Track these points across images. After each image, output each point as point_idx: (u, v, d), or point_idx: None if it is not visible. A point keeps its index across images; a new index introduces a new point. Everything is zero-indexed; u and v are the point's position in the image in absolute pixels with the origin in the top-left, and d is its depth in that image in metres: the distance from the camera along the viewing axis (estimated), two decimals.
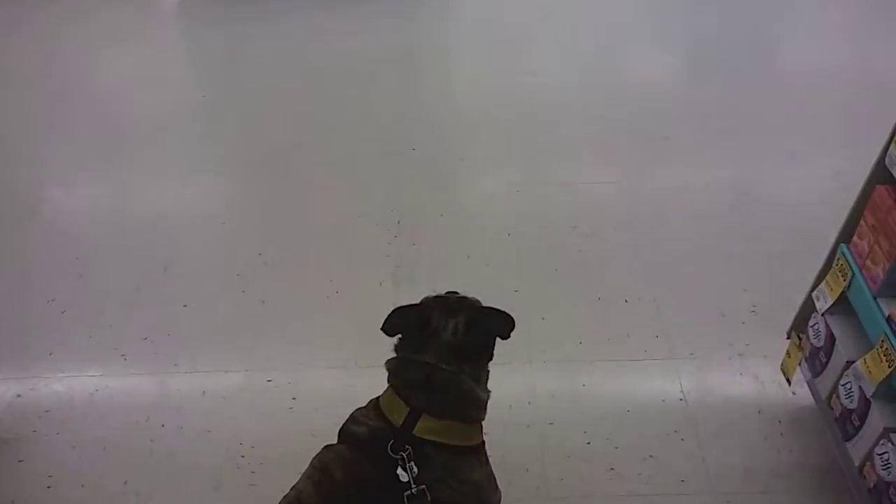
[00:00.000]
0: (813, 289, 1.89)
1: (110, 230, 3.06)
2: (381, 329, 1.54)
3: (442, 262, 2.79)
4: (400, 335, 1.55)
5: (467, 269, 2.74)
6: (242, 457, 2.16)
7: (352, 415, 1.51)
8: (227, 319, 2.61)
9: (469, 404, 1.47)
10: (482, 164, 3.31)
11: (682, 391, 2.28)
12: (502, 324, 1.54)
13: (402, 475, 1.35)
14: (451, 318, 1.50)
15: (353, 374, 2.37)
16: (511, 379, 2.33)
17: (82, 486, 2.11)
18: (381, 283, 2.70)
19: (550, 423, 2.21)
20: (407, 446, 1.37)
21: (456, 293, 1.65)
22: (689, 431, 2.16)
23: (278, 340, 2.52)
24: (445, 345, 1.47)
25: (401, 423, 1.41)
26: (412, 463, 1.35)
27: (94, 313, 2.65)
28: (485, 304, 1.62)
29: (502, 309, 1.56)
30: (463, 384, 1.46)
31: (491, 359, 1.58)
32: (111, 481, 2.11)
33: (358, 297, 2.65)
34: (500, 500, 1.59)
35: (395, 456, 1.36)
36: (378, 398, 1.51)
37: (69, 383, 2.41)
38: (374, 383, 1.55)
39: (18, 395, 2.38)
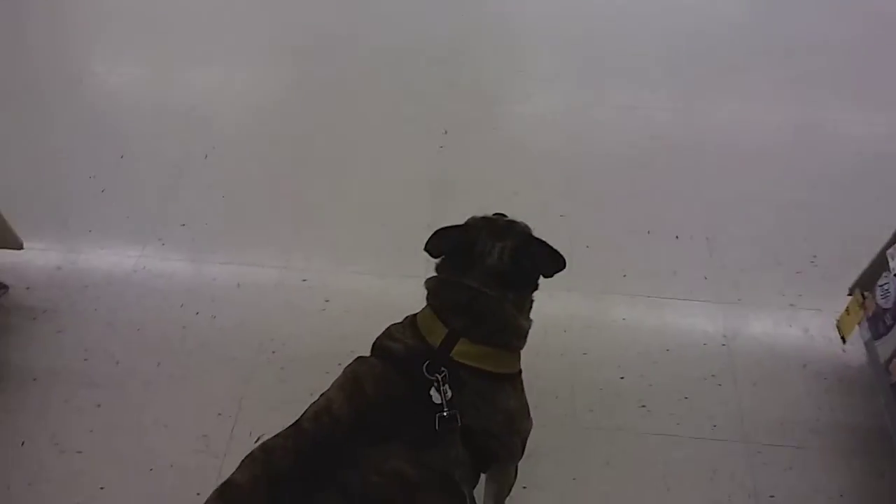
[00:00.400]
0: (889, 246, 1.76)
1: (154, 112, 3.00)
2: (425, 249, 1.47)
3: (488, 178, 2.68)
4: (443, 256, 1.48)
5: (513, 188, 2.63)
6: (273, 352, 2.16)
7: (387, 329, 1.46)
8: (265, 213, 2.57)
9: (510, 332, 1.42)
10: (540, 80, 3.13)
11: (724, 336, 2.20)
12: (550, 261, 1.45)
13: (435, 397, 1.31)
14: (498, 241, 1.42)
15: (387, 282, 2.34)
16: (549, 305, 2.22)
17: (117, 363, 2.15)
18: (422, 194, 2.62)
19: (584, 354, 2.16)
20: (443, 368, 1.32)
21: (504, 215, 1.56)
22: (727, 377, 2.10)
23: (316, 240, 2.48)
24: (490, 269, 1.40)
25: (438, 344, 1.36)
26: (446, 386, 1.31)
27: (133, 194, 2.64)
28: (530, 226, 1.53)
29: (557, 250, 1.46)
30: (506, 311, 1.40)
31: (536, 288, 1.50)
32: (144, 362, 2.14)
33: (397, 204, 2.59)
34: (530, 430, 1.55)
35: (429, 377, 1.31)
36: (415, 316, 1.45)
37: (109, 261, 2.42)
38: (409, 294, 1.50)
39: (59, 268, 2.40)
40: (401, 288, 2.30)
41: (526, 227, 1.54)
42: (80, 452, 1.94)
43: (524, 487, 1.87)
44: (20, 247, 2.14)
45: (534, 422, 1.59)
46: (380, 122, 2.92)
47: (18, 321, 2.24)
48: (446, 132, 2.86)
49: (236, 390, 2.07)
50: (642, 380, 2.10)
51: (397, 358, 1.38)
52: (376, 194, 2.62)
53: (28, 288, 2.34)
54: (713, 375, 2.11)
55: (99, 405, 2.04)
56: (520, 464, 1.61)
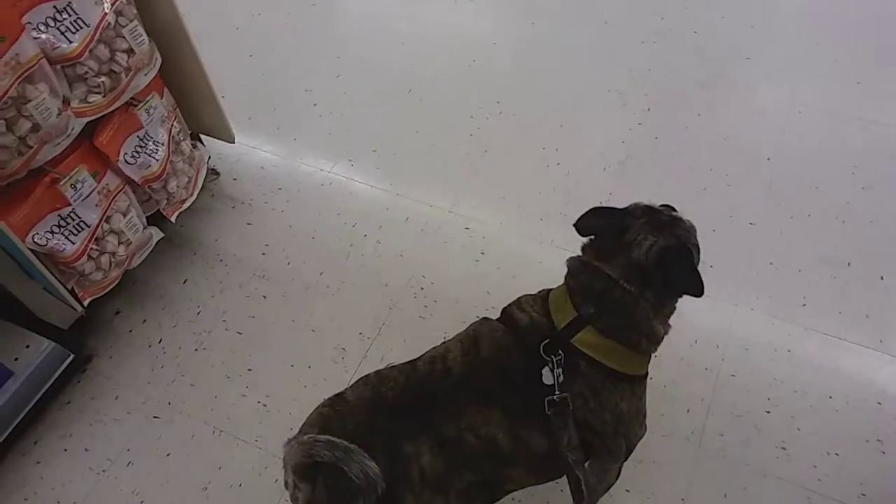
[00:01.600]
0: None
1: (376, 39, 3.15)
2: (574, 225, 1.42)
3: (679, 166, 2.51)
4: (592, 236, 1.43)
5: (704, 183, 2.45)
6: (422, 289, 2.25)
7: (519, 299, 1.46)
8: (448, 156, 2.64)
9: (641, 332, 1.34)
10: (769, 71, 2.83)
11: None
12: (687, 280, 1.33)
13: (546, 377, 1.29)
14: (652, 235, 1.34)
15: (545, 251, 2.31)
16: (708, 314, 2.11)
17: (288, 263, 2.36)
18: (605, 168, 2.52)
19: (732, 376, 2.00)
20: (560, 351, 1.30)
21: (672, 209, 1.46)
22: (894, 447, 1.84)
23: (487, 193, 2.50)
24: (633, 263, 1.33)
25: (562, 326, 1.33)
26: (560, 370, 1.29)
27: (339, 113, 2.82)
28: (706, 228, 1.41)
29: (700, 275, 1.34)
30: (640, 310, 1.33)
31: (681, 296, 1.40)
32: (310, 268, 2.34)
33: (577, 174, 2.52)
34: (641, 437, 1.48)
35: (545, 357, 1.30)
36: (549, 291, 1.43)
37: (303, 170, 2.63)
38: (562, 267, 1.46)
39: (262, 167, 2.66)
40: (556, 259, 2.22)
41: (691, 227, 1.43)
42: (239, 333, 2.19)
43: (627, 490, 1.82)
44: (233, 140, 2.39)
45: (649, 430, 1.52)
46: (583, 87, 2.83)
47: (220, 207, 2.53)
48: (649, 109, 2.71)
49: (380, 315, 2.19)
50: (791, 421, 1.90)
51: (520, 328, 1.38)
52: (560, 159, 2.57)
53: (235, 179, 2.63)
54: (879, 440, 1.86)
55: (265, 296, 2.27)
56: (628, 465, 1.55)
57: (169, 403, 2.05)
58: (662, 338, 1.40)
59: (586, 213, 1.43)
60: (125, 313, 2.25)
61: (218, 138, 2.41)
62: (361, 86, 2.92)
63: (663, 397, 1.96)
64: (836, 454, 1.84)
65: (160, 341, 2.19)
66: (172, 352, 2.17)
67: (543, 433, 1.31)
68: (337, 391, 1.38)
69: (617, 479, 1.55)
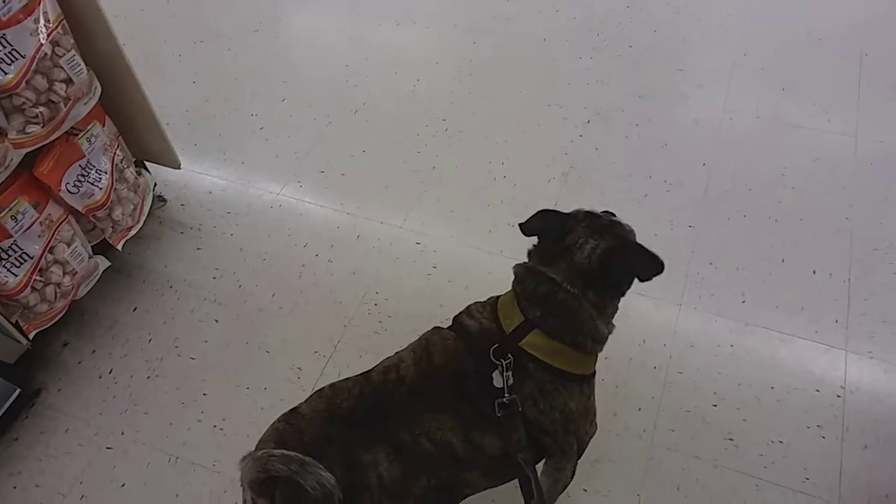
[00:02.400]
0: None
1: (319, 63, 3.19)
2: (520, 226, 1.48)
3: (620, 174, 2.60)
4: (537, 239, 1.48)
5: (645, 190, 2.54)
6: (375, 305, 2.27)
7: (469, 307, 1.50)
8: (396, 174, 2.67)
9: (585, 333, 1.39)
10: (701, 80, 2.96)
11: (843, 388, 2.01)
12: (646, 265, 1.39)
13: (497, 381, 1.32)
14: (593, 238, 1.39)
15: (495, 261, 2.36)
16: (654, 314, 2.19)
17: (240, 286, 2.36)
18: (549, 180, 2.59)
19: (680, 373, 2.07)
20: (509, 355, 1.34)
21: (612, 214, 1.52)
22: (833, 432, 1.93)
23: (436, 208, 2.55)
24: (576, 266, 1.38)
25: (511, 330, 1.37)
26: (510, 373, 1.32)
27: (285, 136, 2.84)
28: (648, 232, 1.48)
29: (655, 253, 1.41)
30: (583, 311, 1.37)
31: (622, 295, 1.46)
32: (262, 290, 2.34)
33: (523, 186, 2.58)
34: (593, 435, 1.52)
35: (495, 361, 1.33)
36: (498, 298, 1.47)
37: (252, 194, 2.64)
38: (511, 276, 1.50)
39: (209, 192, 2.65)
40: (507, 269, 2.26)
41: (630, 230, 1.50)
42: (192, 358, 2.17)
43: (584, 490, 1.86)
44: (178, 166, 2.39)
45: (603, 429, 1.56)
46: (525, 102, 2.91)
47: (168, 233, 2.52)
48: (589, 122, 2.80)
49: (335, 333, 2.20)
50: (736, 413, 1.98)
51: (470, 335, 1.41)
52: (507, 172, 2.64)
53: (183, 205, 2.61)
54: (819, 426, 1.94)
55: (216, 320, 2.26)
56: (584, 466, 1.59)
57: (122, 433, 2.02)
58: (606, 337, 1.45)
59: (534, 214, 1.48)
60: (74, 345, 2.21)
61: (163, 165, 2.40)
62: (307, 108, 2.94)
63: (615, 397, 2.02)
64: (781, 442, 1.92)
65: (111, 371, 2.16)
66: (124, 381, 2.13)
67: (496, 435, 1.34)
68: None
69: (572, 478, 1.59)
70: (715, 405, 2.00)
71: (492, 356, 1.35)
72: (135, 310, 2.30)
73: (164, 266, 2.42)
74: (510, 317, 1.40)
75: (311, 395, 1.40)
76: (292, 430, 1.32)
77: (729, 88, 2.91)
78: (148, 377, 2.14)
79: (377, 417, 1.31)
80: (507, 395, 1.32)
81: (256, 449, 1.32)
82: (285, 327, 2.24)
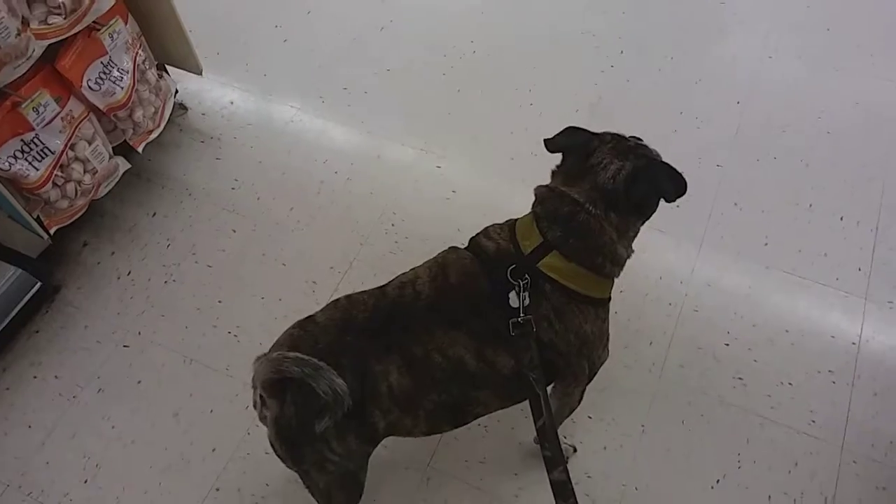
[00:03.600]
0: None
1: None
2: (545, 141, 1.44)
3: (649, 108, 2.53)
4: (561, 158, 1.44)
5: (674, 125, 2.47)
6: (392, 225, 2.26)
7: (486, 228, 1.47)
8: (419, 95, 2.62)
9: (604, 256, 1.36)
10: (743, 16, 2.83)
11: (859, 336, 1.99)
12: (671, 182, 1.35)
13: (513, 300, 1.31)
14: (618, 159, 1.36)
15: (515, 189, 2.29)
16: (673, 252, 2.16)
17: (258, 198, 2.35)
18: (577, 110, 2.53)
19: (695, 310, 2.05)
20: (526, 275, 1.32)
21: (639, 140, 1.48)
22: (844, 378, 1.92)
23: (459, 131, 2.50)
24: (599, 186, 1.35)
25: (528, 251, 1.35)
26: (526, 293, 1.31)
27: (309, 50, 2.78)
28: (620, 133, 1.44)
29: (678, 171, 1.37)
30: (604, 233, 1.35)
31: (647, 218, 1.43)
32: (280, 204, 2.33)
33: (549, 115, 2.52)
34: (604, 361, 1.52)
35: (511, 281, 1.32)
36: (517, 220, 1.45)
37: (273, 106, 2.60)
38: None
39: (231, 102, 2.62)
40: (526, 198, 2.26)
41: (656, 154, 1.46)
42: (209, 266, 2.19)
43: (589, 417, 1.88)
44: (200, 72, 2.35)
45: (613, 360, 1.56)
46: (557, 29, 2.81)
47: (188, 141, 2.50)
48: (622, 52, 2.71)
49: (351, 250, 2.21)
50: (748, 353, 1.97)
51: (487, 256, 1.39)
52: (533, 100, 2.57)
53: (203, 114, 2.59)
54: (830, 371, 1.94)
55: (234, 230, 2.27)
56: (591, 394, 1.60)
57: (139, 333, 2.06)
58: (625, 261, 1.43)
59: (561, 131, 1.45)
60: (93, 245, 2.23)
61: (184, 69, 2.36)
62: (332, 22, 2.87)
63: (627, 330, 2.02)
64: (790, 384, 1.92)
65: (129, 273, 2.18)
66: (142, 283, 2.16)
67: (510, 354, 1.34)
68: None
69: (579, 403, 1.60)
70: (727, 344, 1.99)
71: (508, 276, 1.34)
72: (153, 215, 2.31)
73: (183, 174, 2.41)
74: (528, 238, 1.38)
75: (326, 305, 1.40)
76: (307, 336, 1.33)
77: (771, 26, 2.79)
78: (165, 281, 2.16)
79: (391, 330, 1.31)
80: (522, 315, 1.32)
81: (270, 352, 1.33)
82: (302, 241, 2.24)
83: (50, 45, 1.78)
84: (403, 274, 1.45)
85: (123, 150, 2.16)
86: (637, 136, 1.51)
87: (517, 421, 1.84)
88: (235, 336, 2.05)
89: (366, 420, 1.29)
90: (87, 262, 2.20)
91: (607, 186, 1.34)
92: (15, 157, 1.77)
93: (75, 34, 1.83)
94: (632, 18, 2.83)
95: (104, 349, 2.03)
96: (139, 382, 1.97)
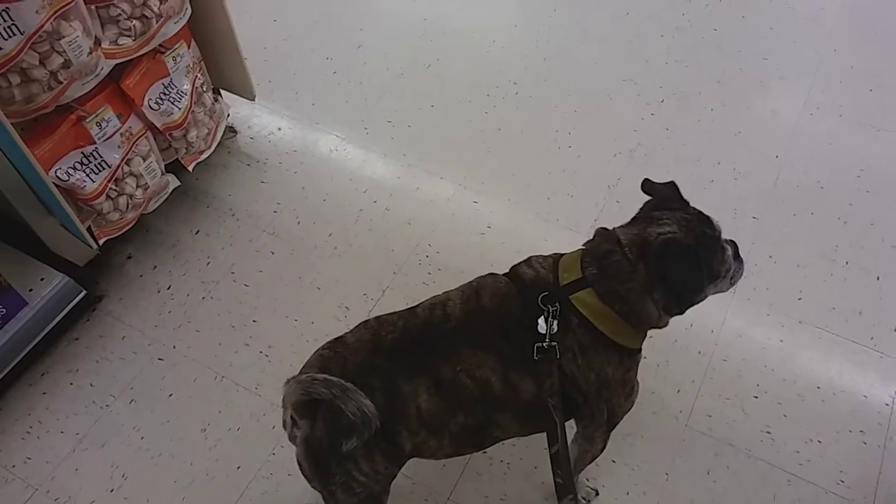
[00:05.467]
0: None
1: (398, 14, 3.18)
2: (644, 181, 1.47)
3: (688, 157, 2.55)
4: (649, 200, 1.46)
5: (711, 175, 2.49)
6: (427, 256, 2.30)
7: (529, 258, 1.49)
8: (462, 131, 2.68)
9: (630, 304, 1.35)
10: (785, 72, 2.86)
11: (892, 397, 1.96)
12: (683, 275, 1.34)
13: (541, 326, 1.33)
14: (675, 225, 1.35)
15: (550, 228, 2.35)
16: (706, 300, 2.15)
17: (298, 222, 2.41)
18: (615, 155, 2.56)
19: (724, 360, 2.04)
20: (556, 304, 1.34)
21: (715, 232, 1.42)
22: (876, 439, 1.89)
23: (497, 168, 2.55)
24: (643, 236, 1.35)
25: (565, 283, 1.37)
26: (555, 321, 1.33)
27: (357, 82, 2.86)
28: (712, 218, 1.41)
29: (702, 274, 1.36)
30: (633, 281, 1.34)
31: (674, 294, 1.38)
32: (319, 229, 2.39)
33: (587, 158, 2.56)
34: (627, 411, 1.52)
35: (542, 306, 1.34)
36: (563, 254, 1.46)
37: (318, 135, 2.68)
38: (566, 246, 1.50)
39: (279, 128, 2.71)
40: (560, 238, 2.31)
41: (718, 246, 1.41)
42: (246, 286, 2.25)
43: (613, 461, 1.87)
44: (253, 97, 2.43)
45: (639, 406, 1.55)
46: (600, 74, 2.86)
47: (235, 163, 2.58)
48: (663, 101, 2.75)
49: (385, 279, 2.24)
50: (777, 407, 1.95)
51: (523, 282, 1.41)
52: (572, 143, 2.61)
53: (252, 138, 2.67)
54: (861, 431, 1.91)
55: (273, 252, 2.33)
56: (616, 439, 1.59)
57: (174, 347, 2.11)
58: (654, 322, 1.41)
59: (665, 182, 1.47)
60: (137, 258, 2.31)
61: (238, 94, 2.45)
62: (381, 58, 2.96)
63: (655, 376, 2.01)
64: (819, 441, 1.89)
65: (169, 287, 2.25)
66: (180, 298, 2.22)
67: (532, 380, 1.35)
68: None
69: (602, 450, 1.59)
70: (756, 397, 1.97)
71: (539, 302, 1.35)
72: (196, 232, 2.38)
73: (228, 194, 2.49)
74: (569, 271, 1.39)
75: (356, 326, 1.43)
76: (336, 357, 1.36)
77: (813, 83, 2.81)
78: (203, 298, 2.22)
79: (420, 351, 1.34)
80: (547, 340, 1.33)
81: (301, 373, 1.36)
82: (337, 267, 2.29)
83: (117, 64, 1.87)
84: (435, 296, 1.47)
85: (174, 167, 2.25)
86: (719, 225, 1.45)
87: (540, 460, 1.84)
88: (267, 356, 2.09)
89: (393, 441, 1.31)
90: (130, 274, 2.27)
91: (649, 238, 1.35)
92: (74, 169, 1.86)
93: (141, 55, 1.92)
94: (673, 69, 2.88)
95: (139, 360, 2.09)
96: (171, 396, 2.02)
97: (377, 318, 1.42)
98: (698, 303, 1.43)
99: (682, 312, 1.42)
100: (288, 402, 1.32)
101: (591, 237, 1.44)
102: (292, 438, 1.37)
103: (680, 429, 1.92)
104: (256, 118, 2.72)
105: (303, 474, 1.39)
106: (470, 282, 1.48)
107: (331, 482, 1.34)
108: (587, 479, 1.83)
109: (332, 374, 1.27)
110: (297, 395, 1.28)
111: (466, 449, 1.43)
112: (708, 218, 1.42)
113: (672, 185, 1.47)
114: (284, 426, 1.39)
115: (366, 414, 1.23)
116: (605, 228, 1.43)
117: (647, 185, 1.48)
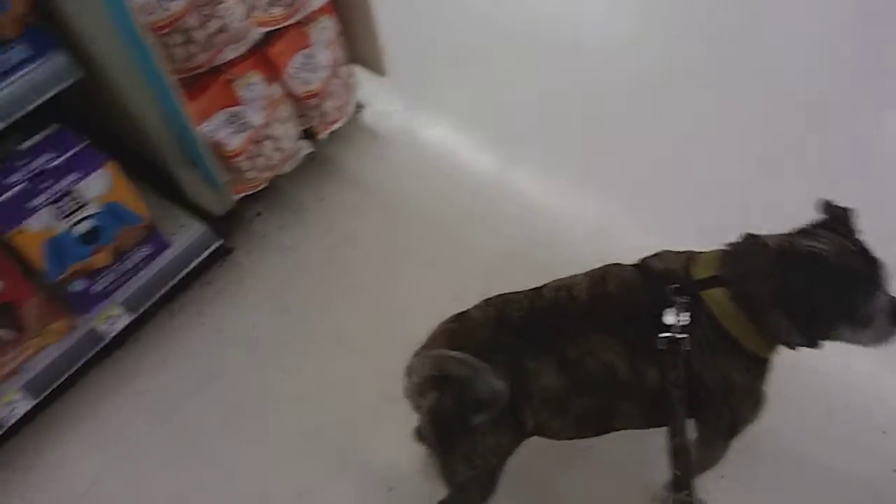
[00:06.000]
0: None
1: (529, 13, 3.17)
2: (825, 202, 1.36)
3: (822, 189, 2.40)
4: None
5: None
6: (542, 248, 2.30)
7: (660, 251, 1.45)
8: (586, 130, 2.61)
9: (757, 308, 1.29)
10: None
11: None
12: (813, 305, 1.24)
13: (669, 317, 1.30)
14: (826, 246, 1.25)
15: (674, 236, 2.27)
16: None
17: (420, 200, 2.46)
18: (748, 171, 2.41)
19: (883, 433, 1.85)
20: (687, 297, 1.30)
21: (876, 271, 1.29)
22: None
23: (622, 171, 2.46)
24: (791, 242, 1.28)
25: (698, 279, 1.33)
26: (685, 314, 1.29)
27: (484, 73, 2.87)
28: (879, 260, 1.28)
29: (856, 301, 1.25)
30: (765, 286, 1.27)
31: (796, 321, 1.29)
32: (444, 211, 2.43)
33: (717, 175, 2.42)
34: (750, 422, 1.44)
35: (672, 297, 1.30)
36: (700, 252, 1.41)
37: (438, 119, 2.71)
38: None
39: (403, 108, 2.75)
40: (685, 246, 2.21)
41: (873, 266, 1.28)
42: (365, 254, 2.34)
43: (721, 477, 1.77)
44: (384, 73, 2.51)
45: (759, 417, 1.47)
46: (742, 91, 2.69)
47: (360, 136, 2.68)
48: (810, 109, 2.57)
49: (497, 264, 2.24)
50: None
51: (651, 273, 1.39)
52: (708, 161, 2.47)
53: (377, 114, 2.75)
54: None
55: (393, 225, 2.41)
56: (732, 452, 1.53)
57: (292, 305, 2.23)
58: (782, 336, 1.32)
59: (842, 206, 1.36)
60: (265, 217, 2.45)
61: (370, 70, 2.53)
62: (512, 52, 2.91)
63: (790, 399, 1.73)
64: None
65: (291, 248, 2.37)
66: (301, 260, 2.35)
67: (658, 370, 1.32)
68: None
69: (719, 460, 1.54)
70: (884, 432, 1.83)
71: (669, 293, 1.31)
72: (322, 199, 2.50)
73: (352, 166, 2.59)
74: (703, 267, 1.35)
75: (479, 303, 1.44)
76: (463, 331, 1.38)
77: None
78: (322, 262, 2.33)
79: (546, 330, 1.34)
80: (676, 331, 1.29)
81: (427, 346, 1.40)
82: (456, 250, 2.30)
83: (267, 32, 2.00)
84: (560, 279, 1.45)
85: (307, 135, 2.37)
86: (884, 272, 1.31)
87: (648, 457, 1.78)
88: (378, 322, 2.16)
89: (517, 417, 1.33)
90: (258, 231, 2.42)
91: (795, 247, 1.27)
92: (220, 127, 2.01)
93: (288, 25, 2.04)
94: (819, 76, 2.71)
95: (260, 313, 2.22)
96: (287, 345, 2.14)
97: (501, 295, 1.43)
98: (832, 339, 1.31)
99: (812, 343, 1.31)
100: (417, 374, 1.34)
101: (737, 240, 1.37)
102: (417, 408, 1.39)
103: (806, 454, 1.80)
104: (383, 95, 2.79)
105: (422, 443, 1.42)
106: (596, 268, 1.46)
107: (453, 452, 1.37)
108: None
109: (458, 347, 1.29)
110: (428, 370, 1.31)
111: (587, 433, 1.42)
112: (874, 258, 1.29)
113: (848, 211, 1.35)
114: (407, 394, 1.41)
115: (496, 393, 1.25)
116: (753, 234, 1.36)
117: (823, 205, 1.36)
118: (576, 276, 1.46)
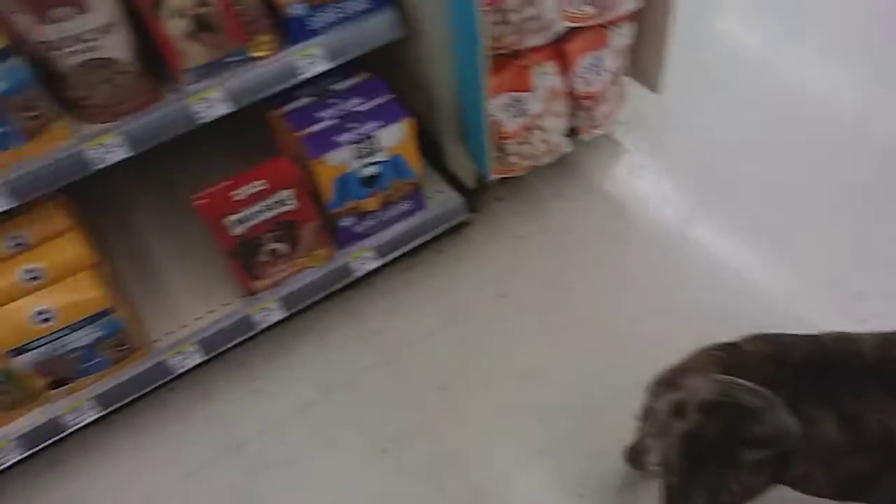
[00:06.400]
0: None
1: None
2: None
3: None
4: None
5: None
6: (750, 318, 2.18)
7: None
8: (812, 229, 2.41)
9: None
10: None
11: None
12: None
13: None
14: None
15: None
16: None
17: (648, 224, 2.43)
18: None
19: None
20: None
21: None
22: None
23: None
24: None
25: None
26: None
27: (741, 133, 2.76)
28: None
29: None
30: None
31: None
32: (663, 244, 2.39)
33: None
34: None
35: None
36: None
37: (688, 156, 2.65)
38: None
39: (660, 133, 2.71)
40: None
41: None
42: (595, 259, 2.34)
43: None
44: (657, 91, 2.46)
45: None
46: None
47: (609, 148, 2.65)
48: None
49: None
50: None
51: None
52: None
53: (631, 130, 2.70)
54: None
55: (624, 237, 2.39)
56: None
57: (510, 292, 2.28)
58: None
59: None
60: (505, 202, 2.51)
61: (645, 84, 2.50)
62: (815, 173, 2.56)
63: None
64: None
65: (521, 237, 2.42)
66: (530, 250, 2.38)
67: None
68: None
69: None
70: None
71: None
72: (559, 197, 2.52)
73: (593, 173, 2.59)
74: None
75: (748, 336, 1.39)
76: (736, 363, 1.32)
77: None
78: (552, 256, 2.36)
79: (826, 379, 1.28)
80: None
81: (685, 368, 1.36)
82: (667, 273, 2.27)
83: (570, 28, 2.04)
84: (841, 332, 1.38)
85: (570, 134, 2.39)
86: None
87: None
88: (595, 328, 2.16)
89: (787, 461, 1.27)
90: (495, 213, 2.48)
91: None
92: (501, 108, 2.08)
93: (590, 25, 2.07)
94: None
95: (482, 294, 2.28)
96: (499, 335, 2.19)
97: (774, 333, 1.38)
98: None
99: None
100: (693, 396, 1.28)
101: None
102: (662, 429, 1.34)
103: None
104: (643, 111, 2.73)
105: (660, 465, 1.37)
106: (884, 332, 1.37)
107: (697, 484, 1.32)
108: None
109: (735, 376, 1.24)
110: (711, 394, 1.25)
111: (846, 495, 1.34)
112: None
113: None
114: (644, 412, 1.39)
115: (787, 431, 1.20)
116: None
117: None
118: (861, 333, 1.37)
